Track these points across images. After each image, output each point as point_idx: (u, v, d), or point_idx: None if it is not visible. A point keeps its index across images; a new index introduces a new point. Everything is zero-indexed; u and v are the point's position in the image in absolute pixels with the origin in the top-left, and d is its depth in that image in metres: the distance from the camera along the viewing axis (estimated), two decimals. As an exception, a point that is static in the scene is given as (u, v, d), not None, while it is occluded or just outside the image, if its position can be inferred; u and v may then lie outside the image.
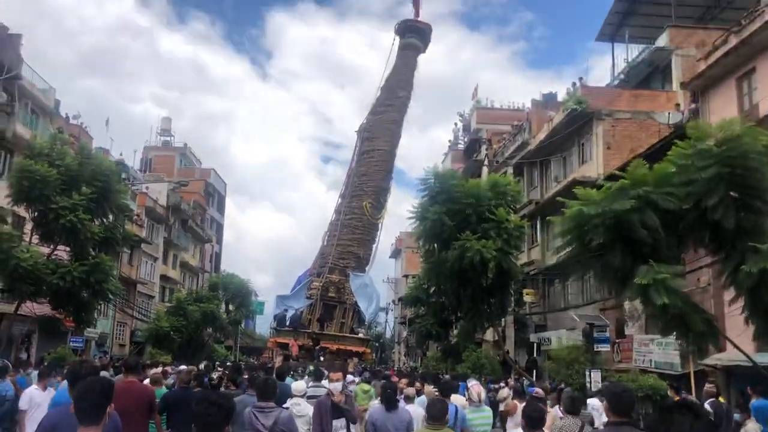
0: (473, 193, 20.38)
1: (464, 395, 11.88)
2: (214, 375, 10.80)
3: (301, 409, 8.50)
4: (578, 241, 10.59)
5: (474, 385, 8.93)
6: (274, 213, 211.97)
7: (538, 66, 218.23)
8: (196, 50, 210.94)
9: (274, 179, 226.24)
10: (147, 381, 12.99)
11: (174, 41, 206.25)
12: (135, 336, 40.89)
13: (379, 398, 7.92)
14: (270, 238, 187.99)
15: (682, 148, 9.40)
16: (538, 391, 10.38)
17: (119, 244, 23.41)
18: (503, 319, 25.29)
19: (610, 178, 15.52)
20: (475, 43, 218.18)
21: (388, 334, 79.91)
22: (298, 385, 8.82)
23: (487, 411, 8.96)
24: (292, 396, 8.65)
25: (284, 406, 8.46)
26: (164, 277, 50.03)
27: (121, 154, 49.40)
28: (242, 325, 57.55)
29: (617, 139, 27.57)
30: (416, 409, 9.60)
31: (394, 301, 77.70)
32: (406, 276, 74.82)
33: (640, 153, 20.59)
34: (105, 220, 22.79)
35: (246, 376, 12.31)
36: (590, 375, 16.67)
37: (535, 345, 23.88)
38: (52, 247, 22.05)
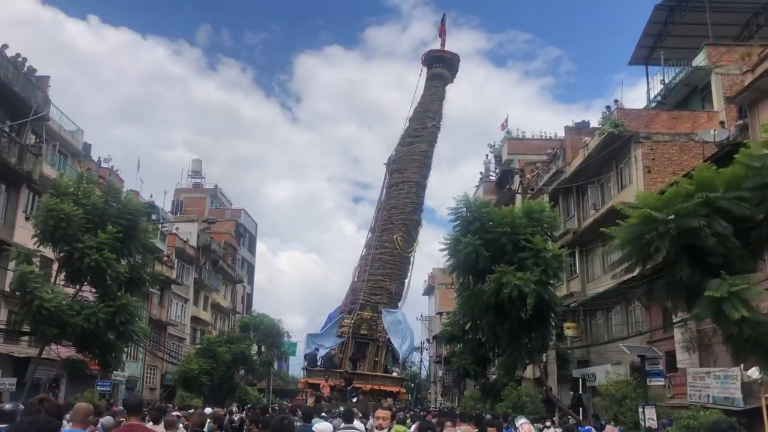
0: (507, 221, 19.42)
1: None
2: (236, 417, 9.89)
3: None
4: (639, 254, 9.53)
5: (523, 424, 7.90)
6: (305, 254, 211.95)
7: (567, 100, 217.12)
8: (227, 96, 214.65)
9: (304, 220, 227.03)
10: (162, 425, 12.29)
11: (206, 88, 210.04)
12: (165, 379, 40.21)
13: None
14: (302, 279, 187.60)
15: (752, 150, 8.38)
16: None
17: (146, 284, 22.82)
18: (545, 355, 23.98)
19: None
20: (502, 79, 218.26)
21: (423, 374, 78.04)
22: (323, 427, 7.90)
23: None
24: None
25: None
26: (195, 319, 49.54)
27: (151, 196, 49.50)
28: (275, 367, 56.74)
29: (657, 162, 26.41)
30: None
31: (428, 340, 76.12)
32: (440, 313, 73.38)
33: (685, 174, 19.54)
34: (131, 259, 22.30)
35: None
36: (644, 412, 15.33)
37: (579, 381, 22.49)
38: (77, 287, 21.59)
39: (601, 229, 11.66)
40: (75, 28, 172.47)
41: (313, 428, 7.94)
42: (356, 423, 11.51)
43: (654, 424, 15.06)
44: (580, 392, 21.84)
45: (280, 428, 5.29)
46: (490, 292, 18.81)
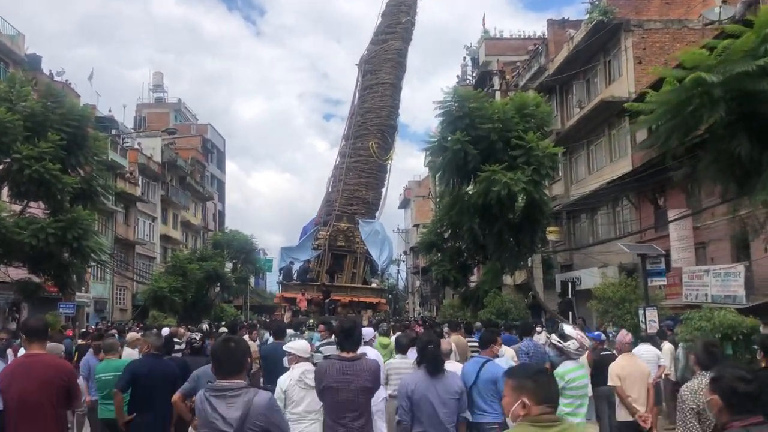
0: (498, 116, 17.72)
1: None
2: (197, 335, 8.35)
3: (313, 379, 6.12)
4: (681, 127, 7.88)
5: (573, 332, 6.49)
6: (278, 173, 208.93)
7: (539, 8, 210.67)
8: (188, 11, 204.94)
9: (275, 139, 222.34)
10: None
11: (166, 3, 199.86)
12: (136, 300, 38.83)
13: (416, 360, 5.46)
14: (276, 198, 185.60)
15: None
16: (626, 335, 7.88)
17: (99, 197, 20.87)
18: (530, 260, 22.84)
19: (640, 98, 12.97)
20: None
21: (400, 285, 78.07)
22: (297, 345, 6.38)
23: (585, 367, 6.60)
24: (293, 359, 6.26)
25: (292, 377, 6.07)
26: (165, 238, 47.82)
27: (110, 110, 46.70)
28: (251, 283, 55.73)
29: (648, 52, 24.59)
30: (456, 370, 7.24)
31: (405, 252, 75.67)
32: (417, 225, 72.53)
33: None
34: (81, 170, 20.30)
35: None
36: (645, 314, 14.21)
37: (568, 285, 21.53)
38: (24, 204, 19.67)
39: (626, 104, 9.92)
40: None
41: (285, 347, 6.41)
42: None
43: (656, 327, 13.99)
44: (569, 297, 20.87)
45: (224, 354, 3.70)
46: (477, 193, 17.38)
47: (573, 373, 6.28)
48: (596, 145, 27.81)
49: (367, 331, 9.43)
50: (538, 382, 2.62)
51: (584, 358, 6.89)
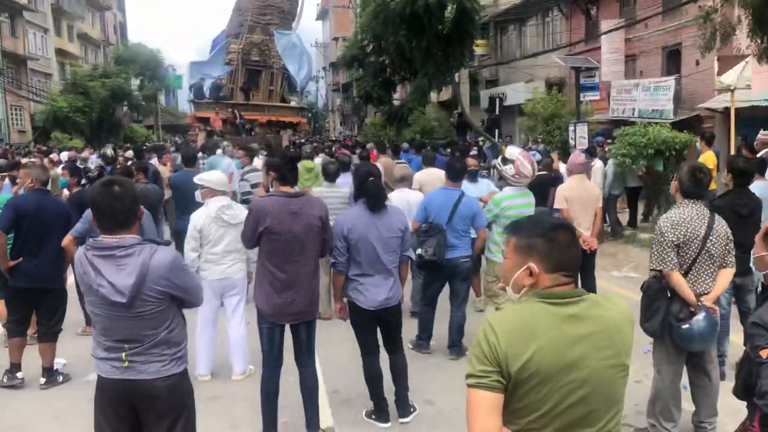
0: None
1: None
2: (91, 165, 7.21)
3: (234, 214, 5.29)
4: None
5: (521, 155, 5.71)
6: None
7: None
8: None
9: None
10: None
11: None
12: (35, 120, 35.95)
13: (352, 195, 4.62)
14: (184, 6, 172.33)
15: None
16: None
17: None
18: (456, 75, 21.89)
19: None
20: None
21: (320, 104, 76.21)
22: (212, 176, 5.44)
23: (531, 194, 5.94)
24: (206, 192, 5.37)
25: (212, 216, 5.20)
26: (61, 52, 43.54)
27: None
28: (162, 102, 52.77)
29: None
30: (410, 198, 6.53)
31: (324, 68, 72.82)
32: (337, 39, 69.11)
33: None
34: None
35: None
36: (575, 130, 13.87)
37: (496, 101, 20.88)
38: None
39: None
40: None
41: (196, 179, 5.46)
42: (256, 161, 9.22)
43: (585, 143, 13.71)
44: (496, 113, 20.35)
45: (104, 201, 2.74)
46: (404, 2, 15.88)
47: (510, 200, 5.70)
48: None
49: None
50: (553, 241, 1.84)
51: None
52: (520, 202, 5.72)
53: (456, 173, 5.66)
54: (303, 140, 27.87)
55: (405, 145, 15.06)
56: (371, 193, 4.19)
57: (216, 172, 5.67)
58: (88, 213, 4.93)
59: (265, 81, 28.61)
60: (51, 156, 14.53)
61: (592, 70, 14.50)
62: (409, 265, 4.76)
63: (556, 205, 6.62)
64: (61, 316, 5.54)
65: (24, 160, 10.45)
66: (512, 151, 5.92)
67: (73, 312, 6.06)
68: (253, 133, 25.96)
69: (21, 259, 5.20)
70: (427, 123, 25.80)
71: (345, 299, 4.42)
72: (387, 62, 25.47)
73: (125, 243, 2.70)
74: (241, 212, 5.32)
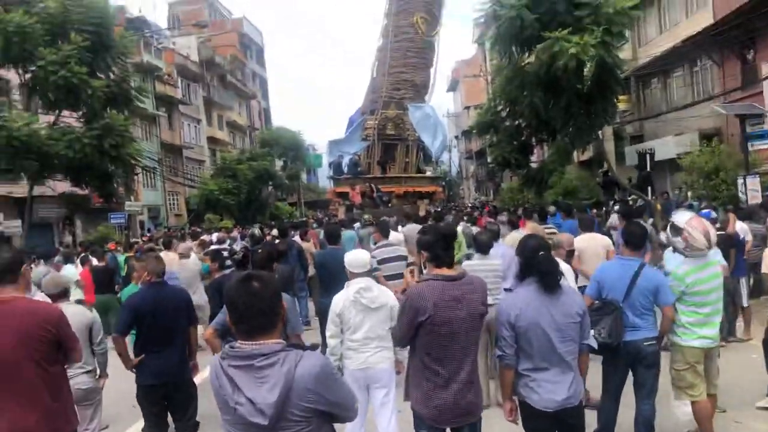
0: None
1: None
2: (237, 247, 7.13)
3: (374, 297, 4.85)
4: None
5: (691, 224, 4.83)
6: (323, 66, 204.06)
7: None
8: None
9: (318, 26, 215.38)
10: (175, 255, 9.72)
11: None
12: (190, 204, 38.57)
13: (518, 274, 3.97)
14: (322, 90, 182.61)
15: None
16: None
17: (132, 100, 19.60)
18: (600, 132, 20.82)
19: None
20: None
21: (453, 172, 76.40)
22: (352, 256, 5.05)
23: (716, 263, 5.03)
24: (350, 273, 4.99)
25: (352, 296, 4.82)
26: (212, 140, 46.99)
27: (140, 11, 44.90)
28: (303, 180, 55.11)
29: None
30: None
31: (456, 136, 73.37)
32: (468, 107, 69.76)
33: None
34: (111, 73, 19.02)
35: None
36: (745, 183, 12.43)
37: (646, 157, 19.50)
38: (56, 114, 18.65)
39: None
40: None
41: (346, 261, 5.10)
42: (392, 237, 8.83)
43: (758, 197, 12.24)
44: (648, 170, 18.96)
45: (241, 300, 2.36)
46: (540, 63, 15.33)
47: (695, 274, 4.76)
48: (669, 0, 24.80)
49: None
50: None
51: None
52: (705, 275, 4.81)
53: (637, 240, 4.85)
54: (439, 208, 27.60)
55: (552, 208, 14.23)
56: (544, 271, 3.56)
57: (358, 252, 5.26)
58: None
59: (401, 153, 28.87)
60: (202, 237, 15.12)
61: (759, 117, 13.07)
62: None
63: (764, 269, 5.59)
64: (194, 409, 5.32)
65: (182, 245, 10.74)
66: (680, 218, 5.02)
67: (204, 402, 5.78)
68: (390, 204, 26.02)
69: (143, 356, 5.07)
70: (569, 184, 24.74)
71: (515, 398, 3.77)
72: (523, 125, 24.95)
73: (266, 350, 2.28)
74: (381, 294, 4.87)
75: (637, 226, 5.12)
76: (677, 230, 4.73)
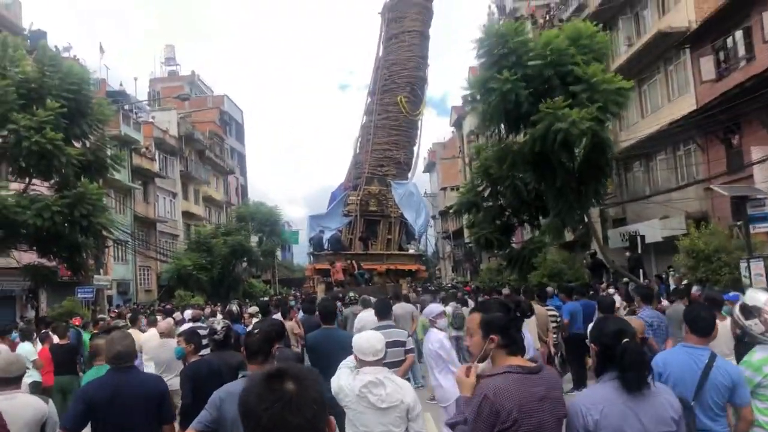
0: (551, 49, 15.30)
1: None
2: (217, 325, 6.25)
3: (385, 396, 4.03)
4: None
5: (764, 300, 4.15)
6: (297, 145, 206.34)
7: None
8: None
9: (292, 109, 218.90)
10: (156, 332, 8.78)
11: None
12: (161, 280, 37.23)
13: (594, 366, 3.14)
14: (296, 170, 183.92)
15: None
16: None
17: (107, 168, 18.86)
18: (585, 214, 20.55)
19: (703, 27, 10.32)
20: None
21: (429, 252, 75.97)
22: (368, 344, 4.23)
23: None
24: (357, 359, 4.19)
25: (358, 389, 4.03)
26: (187, 214, 46.08)
27: (120, 84, 44.87)
28: (278, 256, 54.06)
29: (710, -27, 21.77)
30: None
31: (433, 217, 73.42)
32: (445, 189, 70.20)
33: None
34: (86, 141, 18.35)
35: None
36: (749, 267, 11.95)
37: (636, 239, 19.16)
38: (26, 182, 17.79)
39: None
40: None
41: (355, 345, 4.31)
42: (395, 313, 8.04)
43: (763, 281, 11.72)
44: (639, 252, 18.57)
45: (265, 408, 1.55)
46: (534, 138, 15.09)
47: None
48: (649, 85, 25.19)
49: (433, 308, 7.30)
50: None
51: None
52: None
53: (706, 326, 4.10)
54: (419, 288, 26.84)
55: (549, 289, 13.59)
56: (630, 364, 2.80)
57: (370, 336, 4.44)
58: (217, 397, 3.80)
59: (383, 230, 28.30)
60: (174, 315, 14.11)
61: (761, 199, 12.76)
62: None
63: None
64: None
65: (162, 324, 9.74)
66: (756, 296, 4.37)
67: None
68: (371, 282, 25.21)
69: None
70: (553, 265, 24.22)
71: None
72: (505, 205, 24.69)
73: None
74: (395, 391, 4.03)
75: (703, 308, 4.38)
76: (752, 312, 4.06)
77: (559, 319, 11.10)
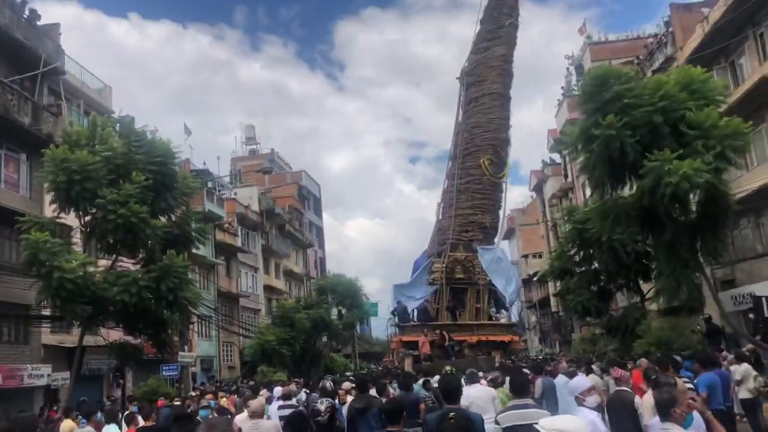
0: (661, 95, 14.14)
1: None
2: (320, 405, 5.28)
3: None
4: None
5: None
6: (369, 219, 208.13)
7: (616, 29, 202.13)
8: (273, 74, 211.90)
9: (364, 187, 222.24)
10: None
11: (252, 68, 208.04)
12: (244, 355, 36.79)
13: None
14: (371, 245, 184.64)
15: None
16: None
17: (193, 241, 18.67)
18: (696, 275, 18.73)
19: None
20: (545, 17, 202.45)
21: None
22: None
23: None
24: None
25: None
26: (268, 288, 46.10)
27: (204, 163, 46.11)
28: (357, 330, 53.03)
29: (814, 12, 20.38)
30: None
31: (516, 285, 71.18)
32: (526, 256, 68.14)
33: None
34: (171, 215, 18.26)
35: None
36: None
37: (762, 301, 17.25)
38: (114, 258, 17.72)
39: None
40: (118, 27, 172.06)
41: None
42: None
43: None
44: (766, 315, 16.62)
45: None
46: (644, 188, 13.77)
47: None
48: (754, 135, 23.45)
49: (581, 382, 6.11)
50: None
51: None
52: None
53: None
54: (515, 360, 25.14)
55: (677, 358, 11.99)
56: None
57: (573, 421, 3.34)
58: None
59: (471, 299, 26.97)
60: (262, 392, 13.27)
61: None
62: None
63: None
64: None
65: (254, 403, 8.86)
66: None
67: None
68: (461, 355, 23.77)
69: None
70: (660, 333, 22.19)
71: None
72: (600, 270, 23.14)
73: None
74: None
75: None
76: None
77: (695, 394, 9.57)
